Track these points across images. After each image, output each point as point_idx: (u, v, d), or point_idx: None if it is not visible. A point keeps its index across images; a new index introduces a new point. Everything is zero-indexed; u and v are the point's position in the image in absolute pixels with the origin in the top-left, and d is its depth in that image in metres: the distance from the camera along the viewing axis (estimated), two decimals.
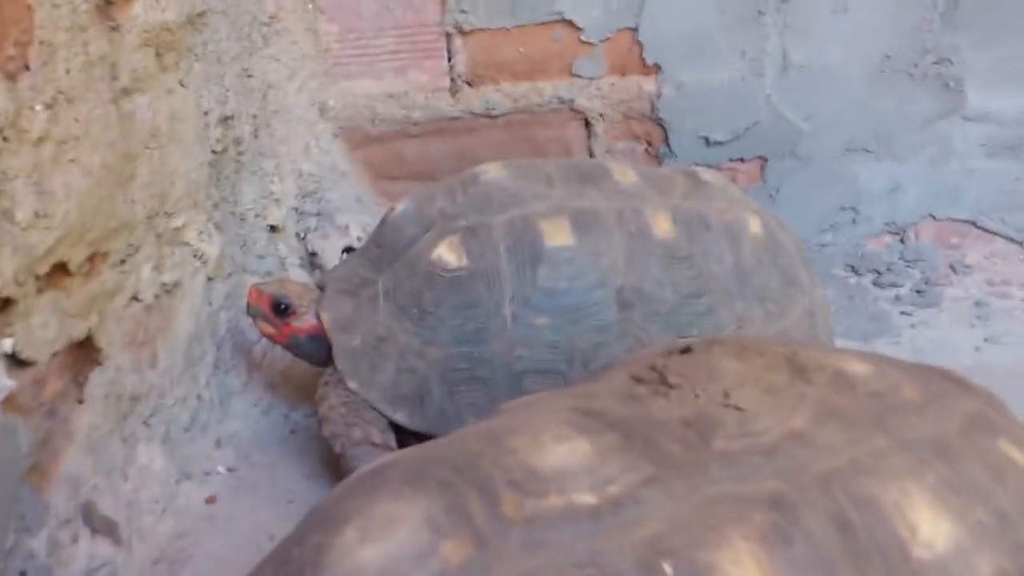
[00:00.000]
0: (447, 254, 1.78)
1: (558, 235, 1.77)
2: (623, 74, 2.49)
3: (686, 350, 1.14)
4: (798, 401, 1.05)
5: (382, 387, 1.77)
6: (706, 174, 1.96)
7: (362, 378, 1.78)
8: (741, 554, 0.89)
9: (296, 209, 2.51)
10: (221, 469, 1.83)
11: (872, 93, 2.42)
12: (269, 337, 1.94)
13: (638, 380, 1.11)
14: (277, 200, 2.44)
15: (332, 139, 2.61)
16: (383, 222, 1.93)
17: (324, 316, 1.86)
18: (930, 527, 0.95)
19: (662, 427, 1.01)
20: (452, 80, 2.56)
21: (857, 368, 1.13)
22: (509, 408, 1.12)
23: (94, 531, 1.52)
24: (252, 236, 2.34)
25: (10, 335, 1.38)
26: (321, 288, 1.95)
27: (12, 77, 1.39)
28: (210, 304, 2.02)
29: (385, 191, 2.68)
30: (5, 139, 1.36)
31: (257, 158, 2.37)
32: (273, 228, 2.41)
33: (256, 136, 2.36)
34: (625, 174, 1.90)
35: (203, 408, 1.90)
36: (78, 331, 1.54)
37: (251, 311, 1.93)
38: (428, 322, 1.77)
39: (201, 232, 1.98)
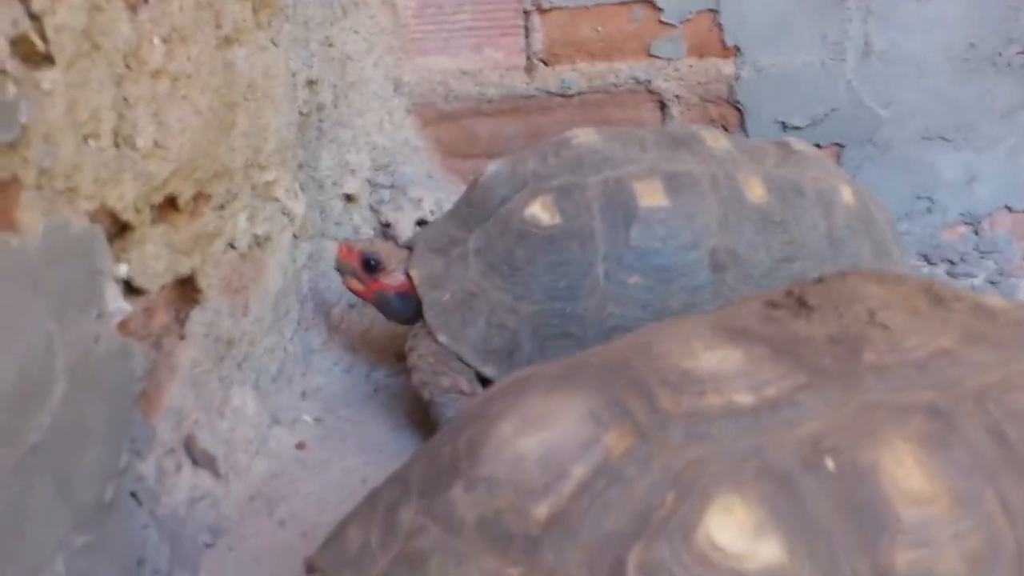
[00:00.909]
0: (540, 212, 1.79)
1: (652, 196, 1.77)
2: (701, 56, 2.49)
3: (818, 280, 1.14)
4: (942, 324, 1.04)
5: (472, 341, 1.77)
6: (798, 144, 1.96)
7: (452, 332, 1.79)
8: (903, 454, 0.88)
9: (369, 181, 2.52)
10: (308, 419, 1.84)
11: (954, 82, 2.41)
12: (357, 294, 1.95)
13: (774, 305, 1.10)
14: (352, 171, 2.46)
15: (405, 115, 2.62)
16: (473, 184, 1.94)
17: (414, 273, 1.87)
18: None
19: (808, 342, 1.00)
20: (528, 58, 2.57)
21: (995, 301, 1.12)
22: (644, 330, 1.12)
23: (195, 463, 1.53)
24: (329, 204, 2.36)
25: (125, 261, 1.40)
26: (409, 248, 1.96)
27: (133, 8, 1.41)
28: (295, 262, 2.03)
29: (456, 169, 2.69)
30: (128, 67, 1.38)
31: (335, 127, 2.39)
32: (349, 197, 2.43)
33: (336, 105, 2.37)
34: (718, 140, 1.90)
35: (289, 361, 1.90)
36: (183, 267, 1.56)
37: (340, 267, 1.94)
38: (520, 278, 1.77)
39: (288, 190, 1.99)
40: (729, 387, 0.93)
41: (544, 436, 0.91)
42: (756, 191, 1.80)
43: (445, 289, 1.82)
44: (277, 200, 1.94)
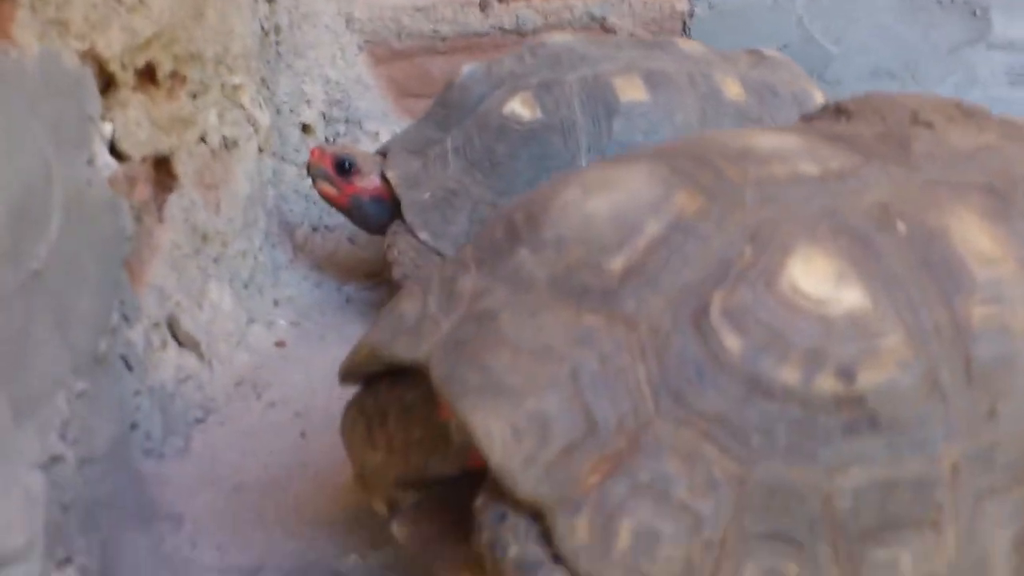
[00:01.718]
0: (520, 108, 1.77)
1: (632, 90, 1.77)
2: None
3: (849, 99, 1.14)
4: (979, 128, 1.05)
5: (454, 237, 1.74)
6: (768, 52, 1.98)
7: (434, 229, 1.75)
8: (969, 221, 0.88)
9: (324, 115, 2.46)
10: (283, 323, 1.77)
11: (900, 19, 2.47)
12: (329, 199, 1.89)
13: (811, 118, 1.10)
14: (308, 101, 2.40)
15: (358, 52, 2.57)
16: (448, 85, 1.91)
17: (391, 174, 1.83)
18: None
19: (856, 138, 1.00)
20: None
21: (1019, 118, 1.14)
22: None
23: (180, 344, 1.46)
24: (287, 131, 2.30)
25: (110, 120, 1.34)
26: (383, 155, 1.91)
27: None
28: (260, 174, 1.97)
29: (410, 109, 2.64)
30: None
31: (291, 54, 2.33)
32: (305, 127, 2.37)
33: (292, 31, 2.32)
34: (691, 45, 1.91)
35: (259, 270, 1.84)
36: (162, 146, 1.50)
37: (313, 172, 1.88)
38: (501, 173, 1.75)
39: (253, 100, 1.94)
40: (792, 159, 0.92)
41: (612, 197, 0.88)
42: (733, 89, 1.81)
43: (424, 188, 1.79)
44: (243, 108, 1.88)
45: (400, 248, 1.73)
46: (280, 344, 1.69)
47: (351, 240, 2.19)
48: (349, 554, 1.14)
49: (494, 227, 0.94)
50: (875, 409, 0.79)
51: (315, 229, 2.17)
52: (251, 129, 1.93)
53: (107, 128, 1.34)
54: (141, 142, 1.42)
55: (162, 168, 1.54)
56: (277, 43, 2.23)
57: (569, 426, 0.78)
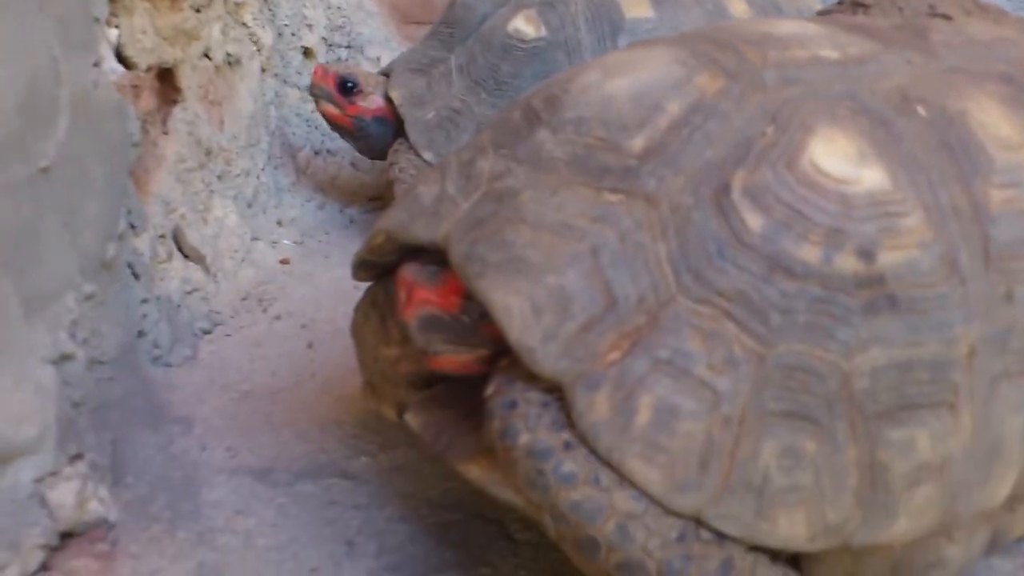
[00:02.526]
0: (524, 25, 1.74)
1: (637, 7, 1.75)
2: None
3: None
4: (996, 21, 1.03)
5: None
6: None
7: (438, 149, 1.73)
8: (988, 107, 0.88)
9: (326, 40, 2.43)
10: (287, 242, 1.76)
11: None
12: (331, 120, 1.87)
13: (828, 12, 1.09)
14: (309, 25, 2.36)
15: None
16: (451, 4, 1.88)
17: (395, 93, 1.80)
18: None
19: (874, 28, 0.98)
20: None
21: None
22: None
23: (186, 257, 1.45)
24: (288, 55, 2.26)
25: (116, 26, 1.32)
26: (386, 76, 1.89)
27: None
28: (264, 94, 1.95)
29: (412, 36, 2.60)
30: None
31: None
32: (306, 52, 2.34)
33: None
34: None
35: (262, 191, 1.82)
36: (167, 56, 1.48)
37: (315, 91, 1.86)
38: (506, 92, 1.73)
39: (256, 19, 1.91)
40: (813, 44, 0.91)
41: (633, 77, 0.87)
42: (739, 7, 1.79)
43: (428, 107, 1.77)
44: (246, 26, 1.86)
45: (402, 166, 1.71)
46: (284, 261, 1.69)
47: (353, 165, 2.17)
48: (359, 456, 1.15)
49: (512, 112, 0.93)
50: (894, 289, 0.79)
51: (317, 153, 2.15)
52: (254, 47, 1.91)
53: (113, 33, 1.32)
54: (146, 50, 1.41)
55: (166, 80, 1.53)
56: None
57: (589, 302, 0.78)
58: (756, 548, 0.77)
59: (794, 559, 0.82)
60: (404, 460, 1.14)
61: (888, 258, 0.79)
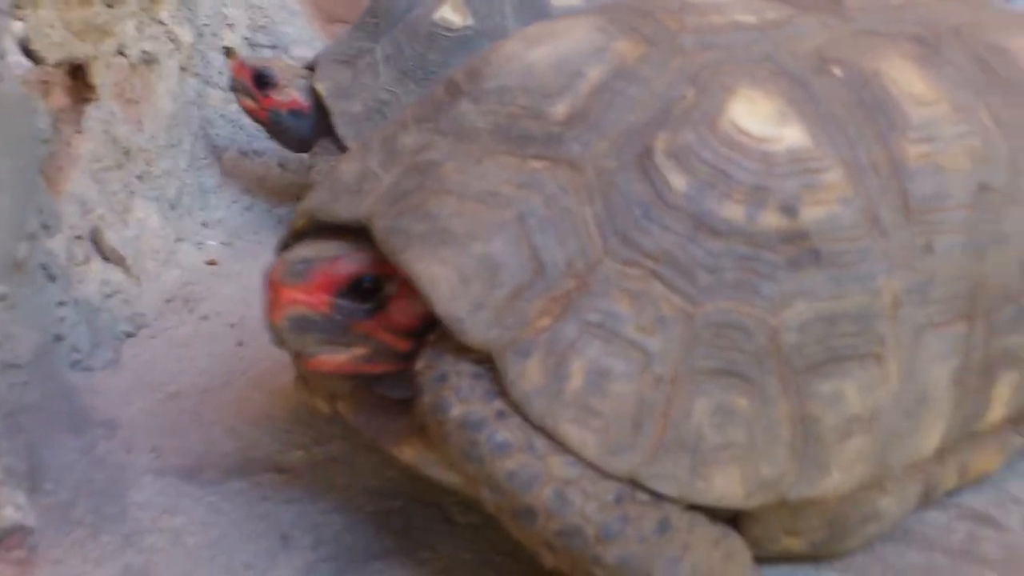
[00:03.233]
0: (451, 14, 1.74)
1: None
2: None
3: None
4: None
5: None
6: None
7: None
8: (902, 66, 0.89)
9: (248, 40, 2.40)
10: (214, 243, 1.72)
11: None
12: (250, 113, 1.86)
13: None
14: (230, 25, 2.34)
15: None
16: None
17: (320, 86, 1.78)
18: None
19: None
20: None
21: None
22: None
23: (105, 259, 1.41)
24: (209, 55, 2.23)
25: (21, 19, 1.28)
26: (311, 69, 1.87)
27: None
28: (184, 94, 1.91)
29: (337, 36, 2.58)
30: None
31: None
32: (228, 52, 2.30)
33: None
34: None
35: (186, 192, 1.78)
36: (77, 52, 1.44)
37: (234, 85, 1.85)
38: (434, 82, 1.72)
39: (173, 16, 1.87)
40: (730, 10, 0.91)
41: (554, 46, 0.87)
42: None
43: (355, 99, 1.75)
44: (163, 24, 1.82)
45: (321, 168, 1.70)
46: (212, 263, 1.65)
47: (281, 165, 2.14)
48: (293, 450, 1.12)
49: (435, 88, 0.92)
50: (818, 243, 0.79)
51: (244, 154, 2.12)
52: (172, 46, 1.86)
53: (18, 26, 1.28)
54: (55, 44, 1.37)
55: (79, 77, 1.48)
56: None
57: (517, 269, 0.77)
58: (693, 507, 0.77)
59: (732, 520, 0.82)
60: (339, 452, 1.11)
61: (810, 213, 0.79)
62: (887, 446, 0.82)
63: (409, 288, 0.82)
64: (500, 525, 0.84)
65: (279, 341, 0.87)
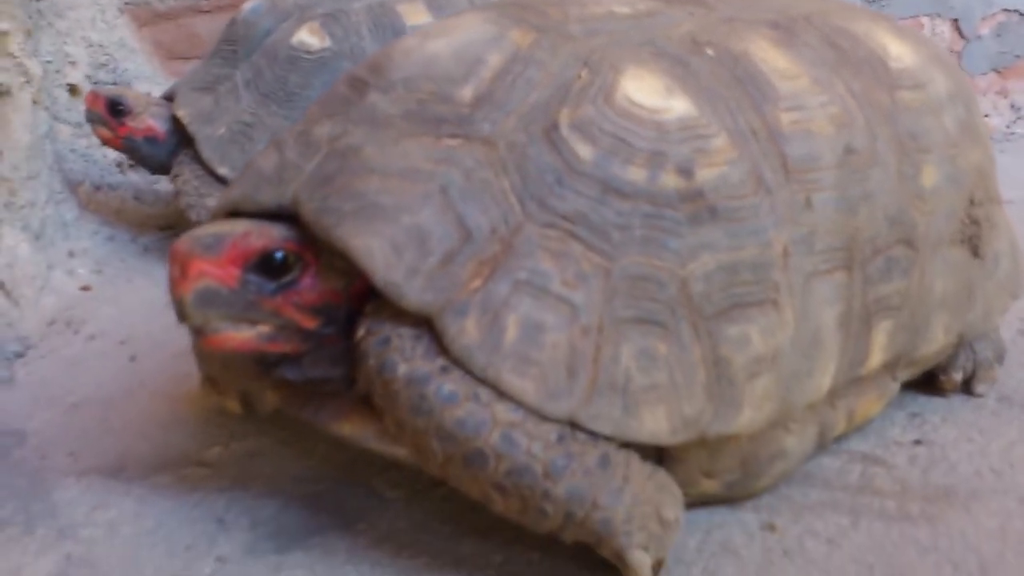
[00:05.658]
0: (309, 37, 1.78)
1: (416, 15, 1.83)
2: None
3: None
4: None
5: None
6: None
7: (232, 163, 1.74)
8: (765, 45, 0.99)
9: (90, 77, 2.36)
10: (83, 271, 1.70)
11: None
12: (107, 143, 1.86)
13: None
14: (72, 62, 2.30)
15: (118, 14, 2.47)
16: (232, 22, 1.89)
17: (181, 113, 1.79)
18: (896, 48, 1.10)
19: None
20: None
21: None
22: None
23: None
24: (54, 92, 2.19)
25: None
26: (168, 99, 1.88)
27: None
28: (38, 127, 1.87)
29: (179, 72, 2.56)
30: None
31: (51, 14, 2.23)
32: (72, 89, 2.27)
33: None
34: None
35: (49, 223, 1.75)
36: None
37: (89, 116, 1.85)
38: (296, 103, 1.76)
39: (23, 48, 1.84)
40: (606, 2, 1.00)
41: (451, 38, 0.93)
42: None
43: (219, 123, 1.77)
44: (14, 56, 1.79)
45: (185, 177, 1.73)
46: (86, 288, 1.63)
47: (137, 198, 2.12)
48: (211, 447, 1.13)
49: (336, 87, 0.97)
50: (713, 201, 0.87)
51: (98, 188, 2.09)
52: (23, 79, 1.83)
53: None
54: None
55: None
56: (37, 0, 2.12)
57: (446, 236, 0.82)
58: (627, 445, 0.84)
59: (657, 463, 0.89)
60: (257, 447, 1.13)
61: (704, 174, 0.88)
62: (789, 385, 0.91)
63: (319, 266, 0.86)
64: (430, 495, 0.89)
65: (183, 316, 0.86)
